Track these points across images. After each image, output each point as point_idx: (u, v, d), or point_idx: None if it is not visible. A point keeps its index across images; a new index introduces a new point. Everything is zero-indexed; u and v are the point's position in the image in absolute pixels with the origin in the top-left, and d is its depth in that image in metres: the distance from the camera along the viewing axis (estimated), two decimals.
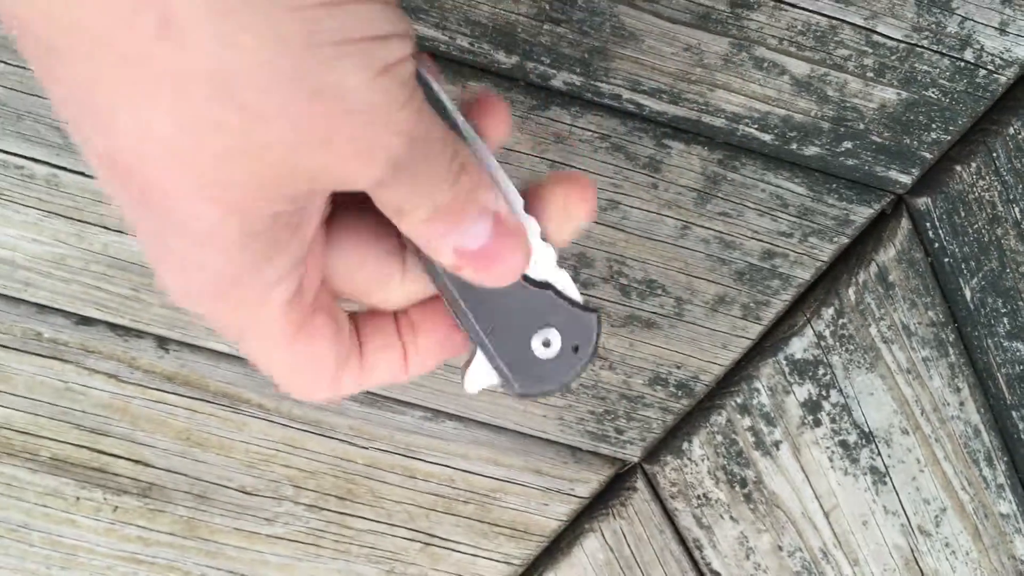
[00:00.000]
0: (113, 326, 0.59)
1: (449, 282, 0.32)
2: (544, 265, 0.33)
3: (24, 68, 0.52)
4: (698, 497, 0.63)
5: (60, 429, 0.61)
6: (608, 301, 0.58)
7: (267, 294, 0.27)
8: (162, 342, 0.59)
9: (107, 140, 0.24)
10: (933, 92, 0.52)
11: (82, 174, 0.55)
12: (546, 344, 0.33)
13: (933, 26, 0.51)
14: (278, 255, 0.27)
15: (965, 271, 0.57)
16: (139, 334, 0.59)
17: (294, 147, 0.24)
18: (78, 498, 0.63)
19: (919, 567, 0.65)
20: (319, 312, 0.31)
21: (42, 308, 0.58)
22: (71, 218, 0.56)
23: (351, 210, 0.32)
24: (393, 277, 0.32)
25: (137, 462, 0.62)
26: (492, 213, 0.30)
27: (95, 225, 0.56)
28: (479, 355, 0.33)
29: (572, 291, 0.33)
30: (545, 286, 0.33)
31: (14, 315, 0.58)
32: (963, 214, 0.56)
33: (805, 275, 0.57)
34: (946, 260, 0.57)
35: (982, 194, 0.55)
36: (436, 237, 0.29)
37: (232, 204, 0.24)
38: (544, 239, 0.32)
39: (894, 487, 0.62)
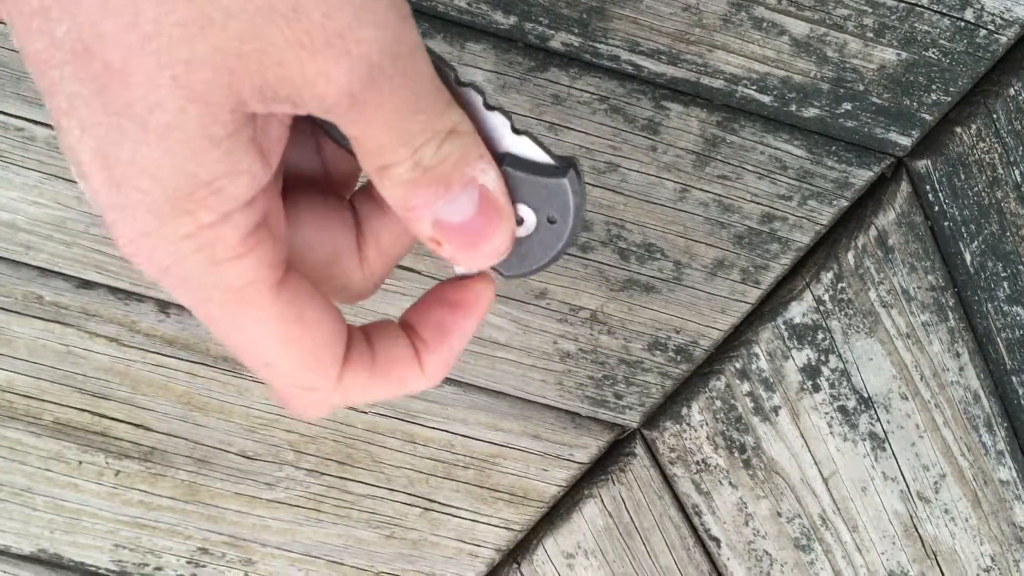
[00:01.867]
0: (114, 290, 0.59)
1: None
2: (500, 137, 0.30)
3: None
4: (697, 463, 0.63)
5: (62, 393, 0.62)
6: (607, 265, 0.58)
7: (226, 221, 0.26)
8: (163, 306, 0.60)
9: (70, 21, 0.23)
10: (933, 52, 0.52)
11: None
12: (519, 222, 0.31)
13: None
14: (239, 173, 0.25)
15: (965, 235, 0.57)
16: (140, 298, 0.59)
17: (259, 23, 0.23)
18: (80, 462, 0.63)
19: (918, 533, 0.65)
20: (303, 281, 0.29)
21: (43, 271, 0.59)
22: (72, 181, 0.56)
23: (309, 194, 0.31)
24: (352, 257, 0.31)
25: (138, 426, 0.62)
26: (479, 186, 0.28)
27: None
28: None
29: (537, 155, 0.31)
30: (502, 159, 0.30)
31: (15, 278, 0.59)
32: (963, 177, 0.56)
33: (804, 239, 0.57)
34: (946, 224, 0.57)
35: (982, 156, 0.55)
36: (418, 204, 0.28)
37: (193, 91, 0.24)
38: (491, 107, 0.30)
39: (893, 453, 0.62)
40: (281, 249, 0.28)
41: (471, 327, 0.32)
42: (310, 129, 0.32)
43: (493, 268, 0.32)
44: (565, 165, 0.31)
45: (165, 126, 0.24)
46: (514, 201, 0.31)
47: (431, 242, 0.29)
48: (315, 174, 0.33)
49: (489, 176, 0.29)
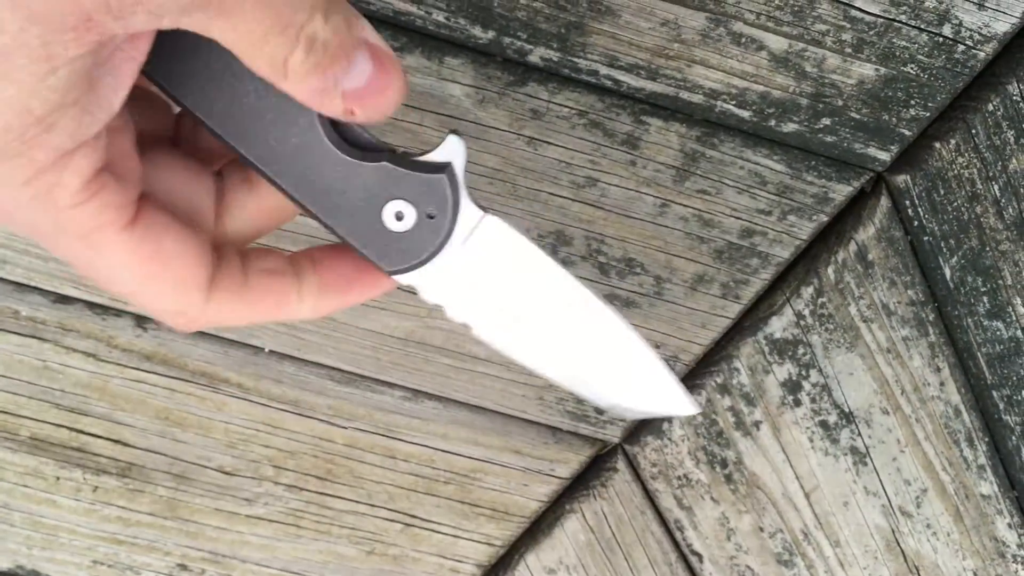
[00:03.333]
0: (91, 305, 0.59)
1: (283, 180, 0.30)
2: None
3: None
4: (679, 478, 0.63)
5: (39, 408, 0.61)
6: (587, 280, 0.58)
7: (65, 164, 0.25)
8: (140, 321, 0.59)
9: None
10: (912, 68, 0.52)
11: None
12: (399, 217, 0.31)
13: (911, 1, 0.50)
14: (73, 106, 0.24)
15: (945, 250, 0.57)
16: (117, 313, 0.59)
17: None
18: (58, 478, 0.63)
19: (900, 548, 0.65)
20: (160, 211, 0.29)
21: (19, 286, 0.58)
22: None
23: (169, 156, 0.31)
24: (208, 221, 0.31)
25: (116, 442, 0.62)
26: (369, 44, 0.28)
27: None
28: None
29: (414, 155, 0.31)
30: (381, 152, 0.31)
31: None
32: (942, 192, 0.56)
33: (784, 253, 0.57)
34: (925, 239, 0.57)
35: (961, 171, 0.55)
36: (328, 87, 0.27)
37: (33, 8, 0.22)
38: None
39: (875, 468, 0.62)
40: (131, 190, 0.28)
41: (365, 295, 0.33)
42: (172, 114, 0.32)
43: (375, 264, 0.32)
44: (444, 162, 0.31)
45: (3, 51, 0.23)
46: (393, 197, 0.31)
47: (345, 114, 0.28)
48: (176, 144, 0.33)
49: (368, 29, 0.28)
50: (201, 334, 0.59)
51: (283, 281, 0.32)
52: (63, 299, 0.59)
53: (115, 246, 0.27)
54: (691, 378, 0.61)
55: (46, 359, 0.60)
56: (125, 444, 0.62)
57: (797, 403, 0.60)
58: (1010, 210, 0.56)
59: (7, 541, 0.64)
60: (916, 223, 0.57)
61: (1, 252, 0.57)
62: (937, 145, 0.55)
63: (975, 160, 0.55)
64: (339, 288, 0.33)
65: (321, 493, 0.64)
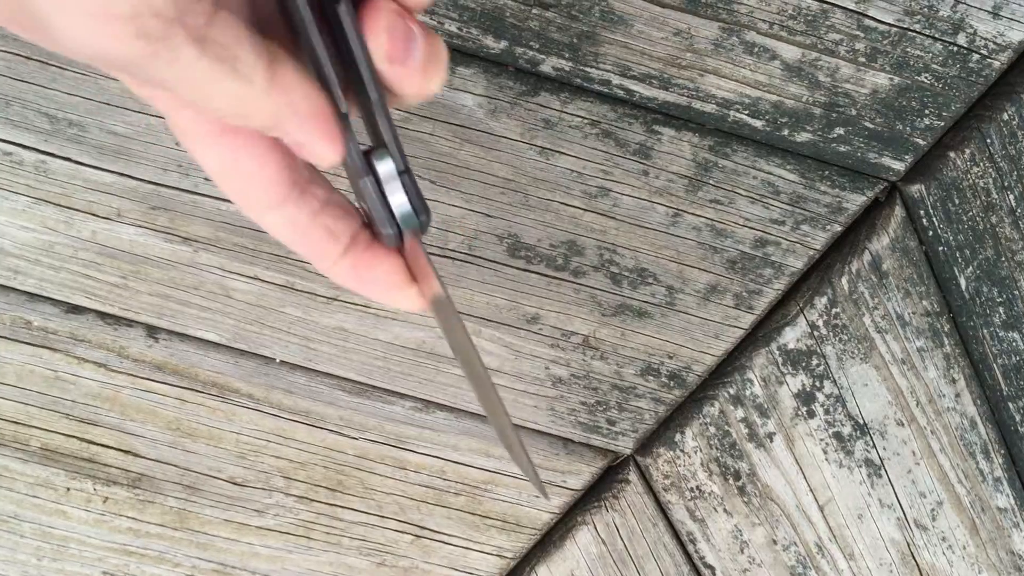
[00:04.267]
0: (102, 314, 0.59)
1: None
2: None
3: (11, 53, 0.52)
4: (691, 490, 0.62)
5: (50, 419, 0.61)
6: (599, 290, 0.57)
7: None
8: (151, 331, 0.59)
9: None
10: (926, 77, 0.52)
11: (70, 160, 0.54)
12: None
13: (925, 10, 0.50)
14: None
15: (960, 260, 0.57)
16: (128, 323, 0.59)
17: None
18: (68, 488, 0.62)
19: (915, 561, 0.64)
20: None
21: (31, 296, 0.58)
22: (60, 205, 0.56)
23: None
24: None
25: (127, 452, 0.62)
26: (312, 116, 0.29)
27: (84, 212, 0.56)
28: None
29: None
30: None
31: (3, 303, 0.58)
32: (957, 201, 0.55)
33: (798, 263, 0.57)
34: (940, 248, 0.57)
35: (976, 181, 0.55)
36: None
37: None
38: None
39: (889, 480, 0.62)
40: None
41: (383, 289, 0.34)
42: None
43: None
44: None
45: None
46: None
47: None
48: None
49: (315, 99, 0.30)
50: (211, 344, 0.59)
51: (329, 240, 0.33)
52: (75, 309, 0.59)
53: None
54: (704, 389, 0.60)
55: (57, 369, 0.60)
56: (136, 455, 0.62)
57: (811, 414, 0.60)
58: None
59: (17, 552, 0.64)
60: (931, 233, 0.56)
61: (13, 262, 0.57)
62: (952, 155, 0.54)
63: (990, 169, 0.54)
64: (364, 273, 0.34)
65: (331, 504, 0.63)
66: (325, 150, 0.30)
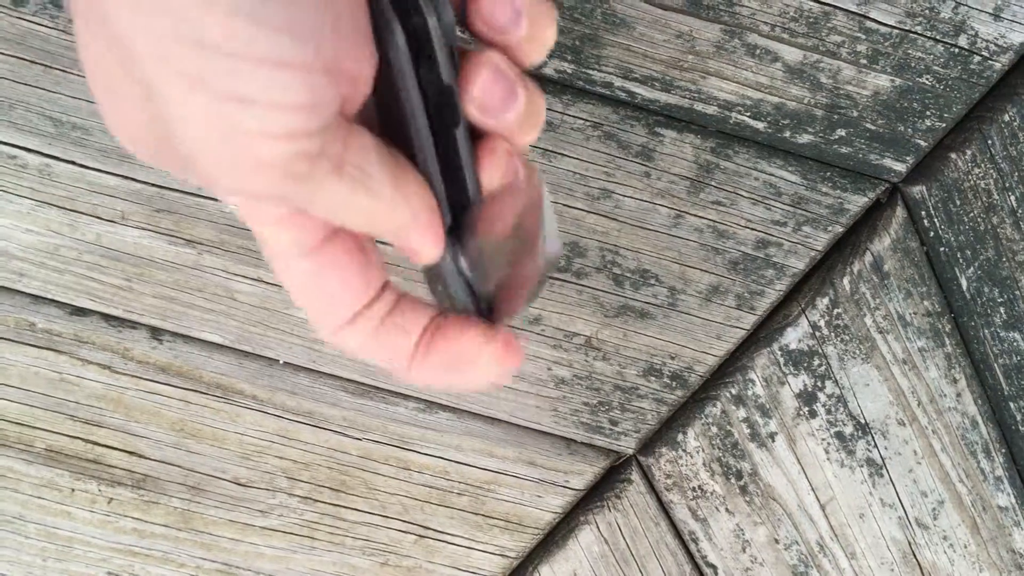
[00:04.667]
0: (107, 317, 0.59)
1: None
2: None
3: (15, 57, 0.52)
4: (693, 489, 0.62)
5: (54, 420, 0.61)
6: (601, 291, 0.58)
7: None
8: (155, 333, 0.59)
9: None
10: (927, 79, 0.52)
11: (75, 163, 0.55)
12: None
13: (927, 12, 0.50)
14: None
15: (961, 260, 0.57)
16: (133, 325, 0.59)
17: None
18: (73, 490, 0.63)
19: (917, 560, 0.64)
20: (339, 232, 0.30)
21: (36, 298, 0.58)
22: (64, 208, 0.56)
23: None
24: None
25: (131, 453, 0.62)
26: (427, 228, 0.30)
27: (88, 215, 0.56)
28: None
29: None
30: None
31: (8, 306, 0.58)
32: (958, 202, 0.56)
33: (799, 264, 0.57)
34: (941, 249, 0.57)
35: (977, 182, 0.55)
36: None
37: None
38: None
39: (891, 479, 0.62)
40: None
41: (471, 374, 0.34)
42: None
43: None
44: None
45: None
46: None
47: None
48: None
49: (430, 214, 0.31)
50: (215, 345, 0.60)
51: (405, 338, 0.32)
52: (79, 311, 0.59)
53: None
54: (706, 389, 0.61)
55: (61, 371, 0.60)
56: (140, 456, 0.62)
57: (812, 414, 0.60)
58: None
59: (22, 553, 0.64)
60: (932, 234, 0.56)
61: (18, 265, 0.57)
62: (953, 156, 0.54)
63: (991, 171, 0.55)
64: (440, 364, 0.33)
65: (335, 504, 0.64)
66: (433, 252, 0.31)
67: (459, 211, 0.31)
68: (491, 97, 0.30)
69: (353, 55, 0.27)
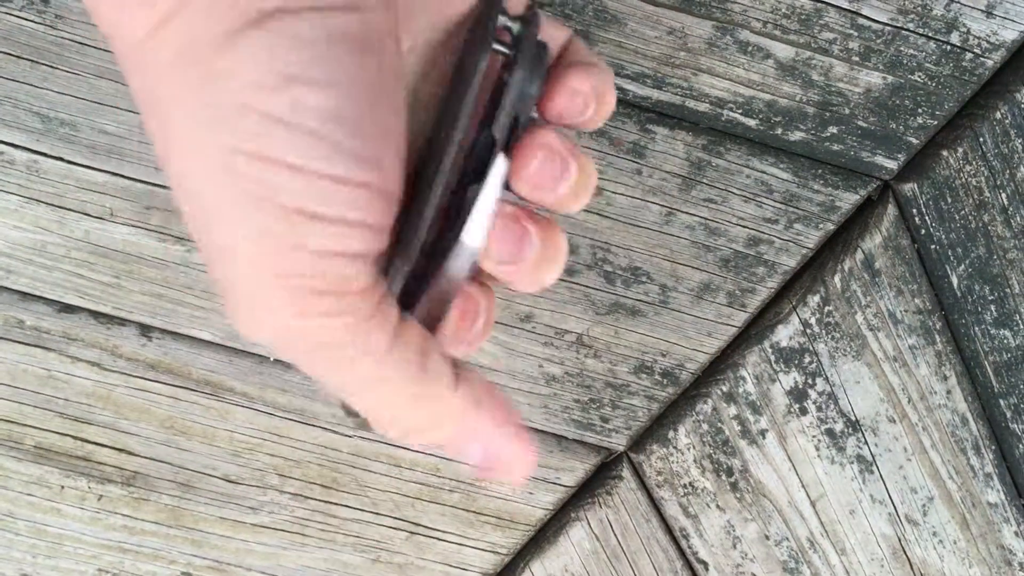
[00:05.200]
0: (95, 314, 0.59)
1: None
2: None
3: (2, 53, 0.52)
4: (684, 486, 0.62)
5: (43, 417, 0.61)
6: (593, 288, 0.57)
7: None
8: (145, 330, 0.59)
9: None
10: (919, 76, 0.52)
11: (63, 160, 0.54)
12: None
13: (919, 9, 0.50)
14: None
15: (952, 258, 0.57)
16: (122, 322, 0.59)
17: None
18: (63, 487, 0.63)
19: (907, 556, 0.65)
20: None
21: (24, 295, 0.58)
22: (52, 204, 0.55)
23: None
24: None
25: (121, 450, 0.62)
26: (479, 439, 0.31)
27: (76, 212, 0.56)
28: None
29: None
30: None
31: None
32: (950, 200, 0.56)
33: (791, 262, 0.57)
34: (932, 247, 0.57)
35: (969, 180, 0.55)
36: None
37: None
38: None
39: (881, 476, 0.62)
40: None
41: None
42: None
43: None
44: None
45: None
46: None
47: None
48: None
49: (485, 424, 0.32)
50: (204, 342, 0.59)
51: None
52: (67, 308, 0.58)
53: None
54: (697, 387, 0.61)
55: (51, 368, 0.60)
56: (130, 453, 0.62)
57: (803, 411, 0.60)
58: (1018, 218, 0.56)
59: (12, 550, 0.64)
60: (923, 231, 0.56)
61: (5, 261, 0.57)
62: (944, 153, 0.54)
63: (983, 168, 0.55)
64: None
65: (326, 501, 0.63)
66: (527, 467, 0.32)
67: (420, 269, 0.30)
68: (542, 178, 0.30)
69: (396, 177, 0.27)
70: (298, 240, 0.25)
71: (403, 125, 0.27)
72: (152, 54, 0.24)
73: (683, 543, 0.64)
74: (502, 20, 0.30)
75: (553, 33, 0.32)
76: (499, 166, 0.29)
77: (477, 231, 0.29)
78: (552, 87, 0.30)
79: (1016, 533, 0.64)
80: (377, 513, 0.64)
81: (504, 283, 0.32)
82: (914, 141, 0.54)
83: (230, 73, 0.24)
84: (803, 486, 0.62)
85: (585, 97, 0.30)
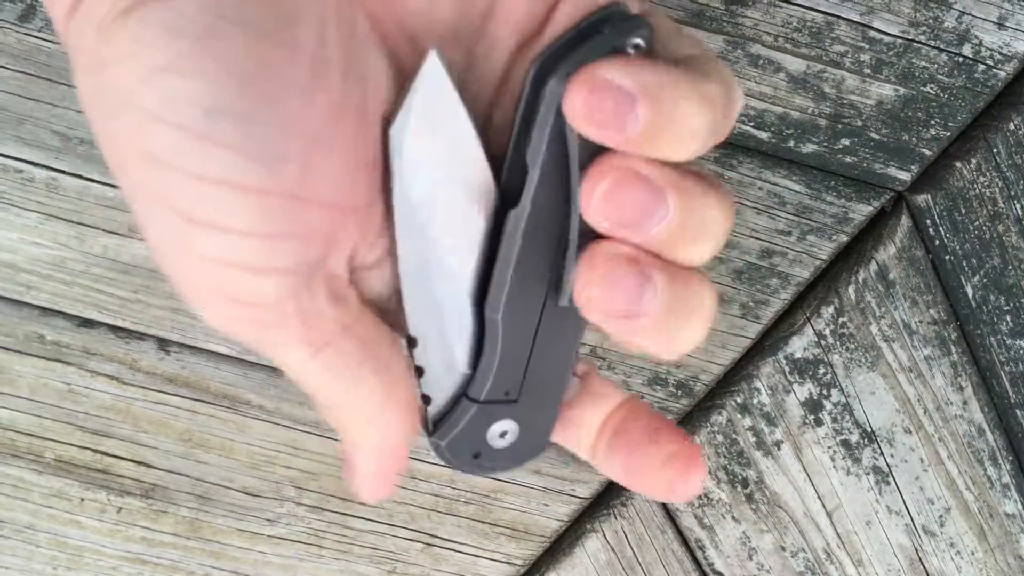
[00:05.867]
0: (114, 328, 0.59)
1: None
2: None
3: (23, 73, 0.53)
4: (699, 497, 0.62)
5: (64, 431, 0.62)
6: None
7: None
8: (163, 344, 0.60)
9: None
10: (931, 88, 0.52)
11: (81, 177, 0.55)
12: (502, 434, 0.30)
13: (930, 21, 0.50)
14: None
15: (966, 268, 0.57)
16: (140, 336, 0.60)
17: None
18: (82, 499, 0.63)
19: (924, 567, 0.64)
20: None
21: (44, 311, 0.59)
22: (71, 221, 0.56)
23: None
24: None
25: (140, 463, 0.62)
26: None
27: (95, 228, 0.56)
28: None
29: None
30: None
31: (16, 318, 0.59)
32: (963, 211, 0.55)
33: (804, 274, 0.57)
34: (947, 258, 0.57)
35: (983, 191, 0.55)
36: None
37: None
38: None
39: (897, 487, 0.62)
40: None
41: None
42: None
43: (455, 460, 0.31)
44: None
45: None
46: (507, 416, 0.30)
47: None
48: None
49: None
50: (222, 356, 0.60)
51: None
52: (87, 323, 0.59)
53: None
54: (711, 398, 0.61)
55: (70, 382, 0.60)
56: (149, 466, 0.63)
57: (818, 423, 0.60)
58: None
59: (33, 562, 0.65)
60: (937, 242, 0.56)
61: (26, 277, 0.58)
62: (958, 164, 0.54)
63: (996, 179, 0.54)
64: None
65: (342, 513, 0.64)
66: (366, 498, 0.30)
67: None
68: (620, 211, 0.24)
69: (348, 189, 0.24)
70: (186, 244, 0.23)
71: (345, 120, 0.24)
72: (71, 41, 0.23)
73: (699, 554, 0.64)
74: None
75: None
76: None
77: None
78: None
79: None
80: (393, 525, 0.64)
81: (618, 341, 0.27)
82: (927, 152, 0.54)
83: (109, 64, 0.22)
84: (819, 497, 0.62)
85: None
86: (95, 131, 0.24)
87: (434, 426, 0.30)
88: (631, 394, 0.31)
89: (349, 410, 0.28)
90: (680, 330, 0.26)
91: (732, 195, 0.27)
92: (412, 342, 0.28)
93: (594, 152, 0.25)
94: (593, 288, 0.25)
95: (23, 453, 0.62)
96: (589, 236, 0.26)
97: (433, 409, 0.29)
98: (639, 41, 0.25)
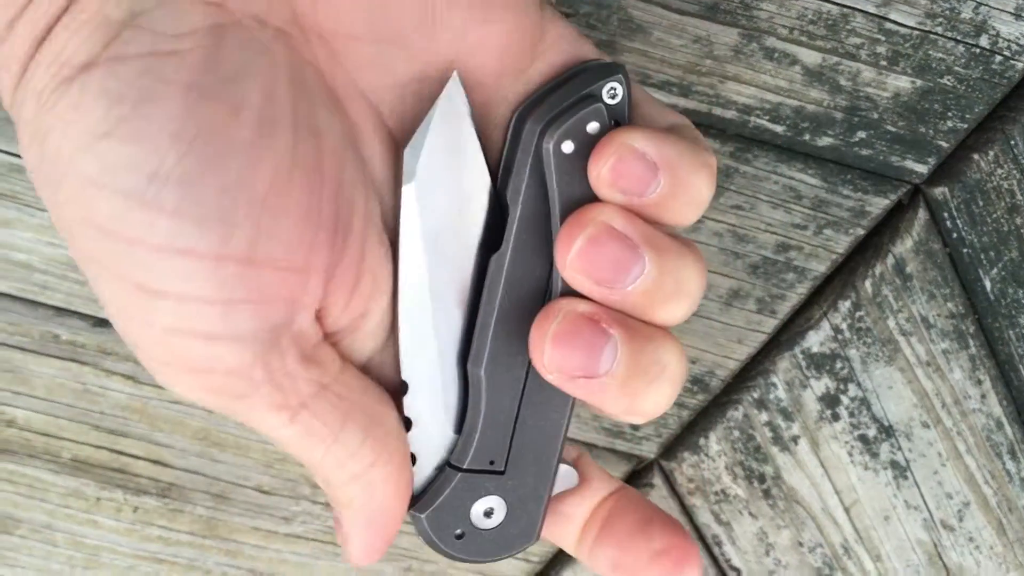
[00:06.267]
0: None
1: None
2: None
3: None
4: (716, 493, 0.62)
5: (80, 430, 0.62)
6: None
7: None
8: None
9: None
10: (948, 80, 0.52)
11: None
12: (488, 513, 0.30)
13: (947, 12, 0.50)
14: None
15: (984, 261, 0.56)
16: None
17: None
18: (99, 499, 0.63)
19: (943, 562, 0.64)
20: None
21: (59, 310, 0.59)
22: None
23: None
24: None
25: (156, 462, 0.63)
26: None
27: None
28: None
29: None
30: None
31: (31, 318, 0.59)
32: (981, 203, 0.55)
33: (821, 268, 0.57)
34: (965, 251, 0.56)
35: (1000, 183, 0.54)
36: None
37: None
38: None
39: (915, 481, 0.62)
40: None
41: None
42: None
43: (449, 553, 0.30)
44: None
45: None
46: (492, 492, 0.29)
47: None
48: None
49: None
50: None
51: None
52: (102, 323, 0.59)
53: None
54: (727, 393, 0.61)
55: (86, 382, 0.61)
56: (165, 465, 0.63)
57: (835, 417, 0.60)
58: None
59: (50, 561, 0.65)
60: (955, 235, 0.56)
61: (41, 278, 0.58)
62: (975, 156, 0.54)
63: (1014, 171, 0.54)
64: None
65: None
66: (355, 560, 0.30)
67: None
68: (594, 267, 0.24)
69: (306, 251, 0.24)
70: (141, 314, 0.23)
71: (299, 179, 0.23)
72: (16, 113, 0.23)
73: (715, 550, 0.64)
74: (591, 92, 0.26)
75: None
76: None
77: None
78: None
79: None
80: (409, 522, 0.64)
81: (584, 403, 0.26)
82: (944, 145, 0.53)
83: (51, 133, 0.22)
84: (836, 492, 0.62)
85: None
86: (45, 203, 0.23)
87: (414, 498, 0.29)
88: (622, 483, 0.30)
89: (332, 469, 0.27)
90: (645, 392, 0.25)
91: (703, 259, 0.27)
92: (403, 387, 0.27)
93: (576, 200, 0.25)
94: (549, 345, 0.24)
95: (39, 453, 0.62)
96: (571, 289, 0.26)
97: (418, 477, 0.29)
98: (615, 86, 0.25)
